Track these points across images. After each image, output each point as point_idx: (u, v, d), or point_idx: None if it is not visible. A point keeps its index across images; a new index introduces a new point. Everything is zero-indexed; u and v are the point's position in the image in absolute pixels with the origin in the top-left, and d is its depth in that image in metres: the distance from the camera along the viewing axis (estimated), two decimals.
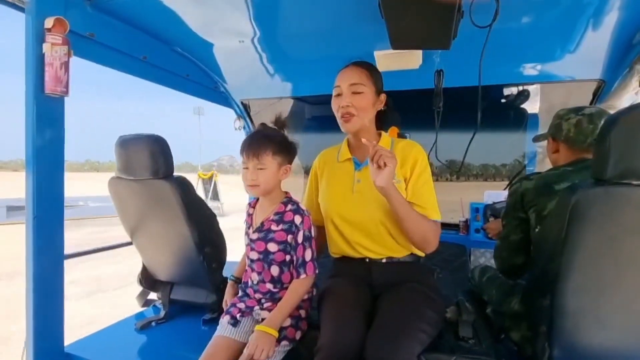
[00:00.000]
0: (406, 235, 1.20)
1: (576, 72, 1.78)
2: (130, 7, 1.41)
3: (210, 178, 12.75)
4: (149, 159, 1.38)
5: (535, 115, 2.36)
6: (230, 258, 1.64)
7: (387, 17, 1.17)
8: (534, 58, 1.74)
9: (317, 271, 1.18)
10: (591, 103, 1.95)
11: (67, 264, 1.32)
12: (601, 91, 1.85)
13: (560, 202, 0.95)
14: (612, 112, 1.00)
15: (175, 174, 1.44)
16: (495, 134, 2.55)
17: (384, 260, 1.26)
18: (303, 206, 1.21)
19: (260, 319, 1.16)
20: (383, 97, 1.29)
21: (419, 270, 1.28)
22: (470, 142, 1.62)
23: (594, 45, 1.54)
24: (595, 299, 0.92)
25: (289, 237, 1.16)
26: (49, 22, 1.17)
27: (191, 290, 1.62)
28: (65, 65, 1.21)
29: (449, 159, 2.14)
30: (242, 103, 2.47)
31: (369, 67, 1.27)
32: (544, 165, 2.38)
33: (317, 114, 2.78)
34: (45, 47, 1.17)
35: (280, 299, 1.16)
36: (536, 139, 1.51)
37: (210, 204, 7.26)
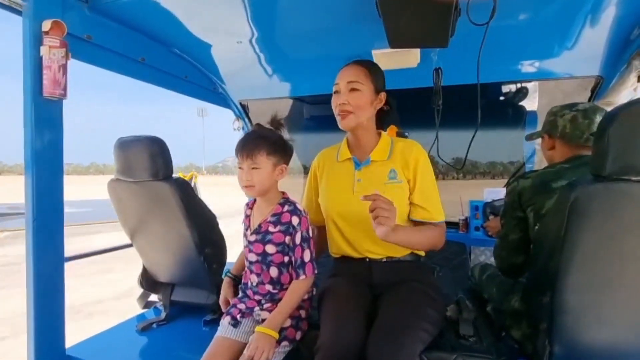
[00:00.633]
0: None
1: (574, 68, 1.78)
2: (128, 9, 1.41)
3: (190, 179, 12.80)
4: (148, 160, 1.38)
5: (534, 113, 2.36)
6: (231, 259, 1.65)
7: (385, 16, 1.17)
8: (532, 55, 1.73)
9: (316, 272, 1.18)
10: (589, 100, 1.95)
11: None
12: (599, 88, 1.85)
13: (559, 199, 0.95)
14: (609, 108, 1.00)
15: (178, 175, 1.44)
16: (494, 132, 2.55)
17: (384, 260, 1.26)
18: (300, 207, 1.20)
19: (260, 320, 1.16)
20: (383, 96, 1.29)
21: (419, 269, 1.28)
22: (471, 140, 1.62)
23: (592, 42, 1.54)
24: (595, 296, 0.92)
25: (287, 239, 1.15)
26: (46, 25, 1.17)
27: (192, 291, 1.62)
28: (63, 68, 1.21)
29: (450, 157, 2.14)
30: (240, 104, 2.47)
31: (369, 66, 1.27)
32: (543, 162, 2.38)
33: (315, 114, 2.78)
34: (43, 50, 1.17)
35: (280, 299, 1.16)
36: (530, 137, 1.51)
37: None
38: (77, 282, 4.97)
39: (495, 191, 2.32)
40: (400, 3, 1.11)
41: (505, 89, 2.25)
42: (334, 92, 1.27)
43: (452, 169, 2.45)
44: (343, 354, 0.98)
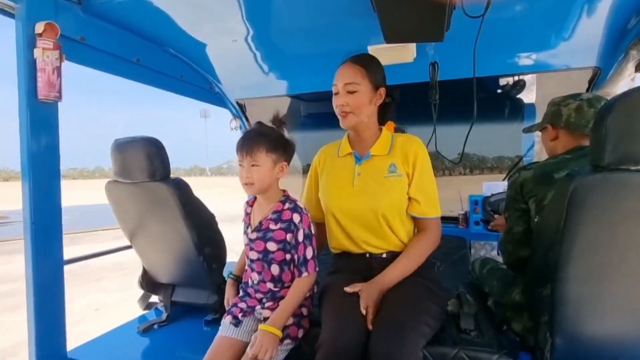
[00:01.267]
0: None
1: (571, 60, 1.78)
2: (121, 9, 1.40)
3: None
4: (146, 161, 1.38)
5: (532, 106, 2.36)
6: (231, 258, 1.64)
7: (380, 11, 1.16)
8: (528, 47, 1.73)
9: (317, 269, 1.18)
10: (587, 91, 1.94)
11: None
12: (597, 79, 1.84)
13: (558, 190, 0.95)
14: (608, 98, 0.99)
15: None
16: (492, 125, 2.55)
17: (384, 255, 1.26)
18: (301, 204, 1.20)
19: (262, 318, 1.16)
20: (382, 91, 1.28)
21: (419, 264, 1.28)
22: (468, 134, 1.62)
23: (589, 32, 1.53)
24: (595, 286, 0.92)
25: (288, 236, 1.15)
26: (39, 27, 1.16)
27: (192, 291, 1.61)
28: (58, 70, 1.21)
29: (448, 151, 2.14)
30: (237, 103, 2.46)
31: (366, 63, 1.26)
32: (542, 155, 2.38)
33: (313, 111, 2.77)
34: (37, 53, 1.16)
35: (281, 297, 1.16)
36: (528, 130, 1.50)
37: None
38: None
39: (494, 185, 2.31)
40: None
41: (502, 82, 2.24)
42: (334, 93, 1.28)
43: (450, 163, 2.44)
44: (345, 350, 0.98)
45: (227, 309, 1.27)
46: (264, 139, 1.14)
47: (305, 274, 1.15)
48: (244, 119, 2.58)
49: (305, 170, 2.97)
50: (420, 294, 1.13)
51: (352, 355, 0.98)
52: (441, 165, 2.79)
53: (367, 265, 1.26)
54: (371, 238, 1.25)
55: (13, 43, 1.19)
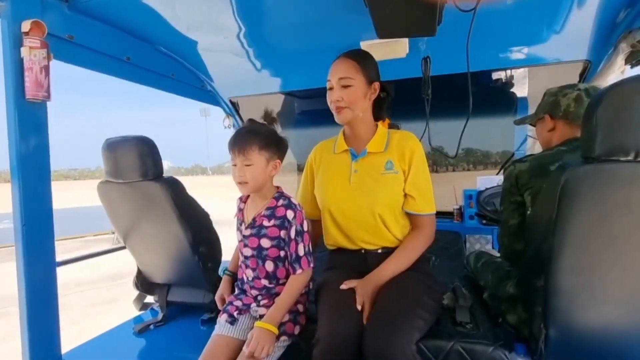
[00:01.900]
0: None
1: (562, 53, 1.79)
2: (110, 7, 1.38)
3: None
4: (138, 160, 1.37)
5: (524, 99, 2.37)
6: (226, 257, 1.64)
7: (371, 5, 1.15)
8: (520, 41, 1.73)
9: (312, 265, 1.18)
10: None
11: None
12: (587, 72, 1.86)
13: (550, 182, 0.95)
14: None
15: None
16: (485, 120, 2.56)
17: (379, 251, 1.26)
18: (295, 201, 1.20)
19: (258, 316, 1.16)
20: (377, 85, 1.28)
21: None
22: (463, 129, 1.62)
23: (579, 26, 1.54)
24: (588, 276, 0.93)
25: (282, 233, 1.15)
26: (25, 26, 1.14)
27: (188, 291, 1.61)
28: (46, 69, 1.18)
29: (441, 146, 2.14)
30: (230, 101, 2.44)
31: (359, 58, 1.26)
32: (534, 149, 2.39)
33: (307, 108, 2.76)
34: (24, 51, 1.14)
35: (276, 294, 1.16)
36: (521, 121, 1.50)
37: None
38: None
39: (488, 179, 2.33)
40: None
41: (495, 76, 2.25)
42: (328, 88, 1.27)
43: (444, 159, 2.45)
44: (341, 346, 0.98)
45: (218, 304, 1.27)
46: (256, 137, 1.13)
47: (299, 270, 1.14)
48: (237, 117, 2.57)
49: (300, 168, 2.96)
50: (415, 288, 1.14)
51: (348, 351, 0.98)
52: (434, 159, 2.80)
53: (363, 262, 1.26)
54: (366, 235, 1.26)
55: None
